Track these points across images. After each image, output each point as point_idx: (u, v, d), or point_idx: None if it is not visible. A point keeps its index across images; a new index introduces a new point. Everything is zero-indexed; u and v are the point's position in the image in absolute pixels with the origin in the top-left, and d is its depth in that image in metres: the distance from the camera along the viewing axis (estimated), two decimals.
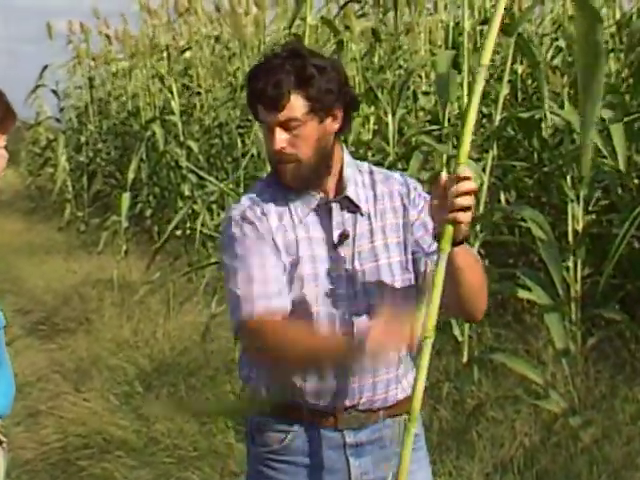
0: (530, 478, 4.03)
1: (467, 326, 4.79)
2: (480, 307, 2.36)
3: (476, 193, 2.10)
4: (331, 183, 2.36)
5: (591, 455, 4.13)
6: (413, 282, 2.37)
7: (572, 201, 5.33)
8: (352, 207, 2.36)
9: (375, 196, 2.39)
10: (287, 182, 2.32)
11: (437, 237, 2.09)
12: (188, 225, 9.09)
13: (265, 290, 2.26)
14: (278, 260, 2.30)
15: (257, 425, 2.43)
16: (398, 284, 2.35)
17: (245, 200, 2.37)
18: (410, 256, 2.37)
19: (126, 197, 9.93)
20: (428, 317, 2.04)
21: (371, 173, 2.43)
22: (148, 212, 11.40)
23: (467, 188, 2.05)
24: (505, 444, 4.31)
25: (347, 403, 2.33)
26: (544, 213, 5.65)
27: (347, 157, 2.40)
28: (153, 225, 11.15)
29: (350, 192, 2.35)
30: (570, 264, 5.31)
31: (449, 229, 2.05)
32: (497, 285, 5.11)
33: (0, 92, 2.34)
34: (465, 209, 2.05)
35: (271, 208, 2.35)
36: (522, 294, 4.81)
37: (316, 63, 2.29)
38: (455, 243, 2.12)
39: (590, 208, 5.60)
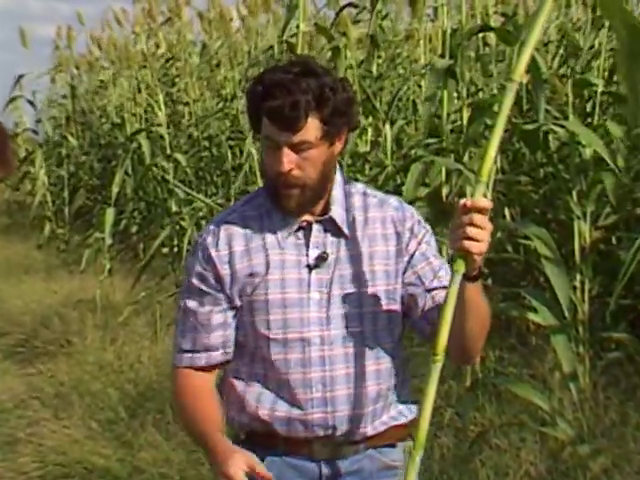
0: None
1: None
2: (475, 352, 2.41)
3: (489, 228, 2.09)
4: (321, 204, 2.36)
5: None
6: (399, 314, 2.37)
7: (578, 217, 5.34)
8: (335, 229, 2.36)
9: (366, 220, 2.38)
10: (289, 207, 2.31)
11: (451, 260, 2.11)
12: (175, 242, 9.08)
13: (193, 345, 2.39)
14: (218, 303, 2.36)
15: None
16: (381, 313, 2.35)
17: (217, 219, 2.42)
18: (399, 286, 2.36)
19: (110, 213, 9.90)
20: (439, 338, 2.06)
21: (364, 195, 2.42)
22: (133, 229, 11.39)
23: (478, 221, 2.06)
24: (510, 473, 4.30)
25: (321, 433, 2.33)
26: (550, 230, 5.67)
27: (339, 177, 2.40)
28: (138, 242, 11.14)
29: (334, 213, 2.35)
30: (577, 284, 5.32)
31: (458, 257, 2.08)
32: (501, 305, 5.11)
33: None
34: (477, 240, 2.07)
35: (240, 230, 2.36)
36: (527, 315, 4.81)
37: (330, 84, 2.28)
38: (467, 277, 2.14)
39: (599, 224, 5.61)
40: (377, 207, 2.41)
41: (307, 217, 2.35)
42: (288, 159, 2.26)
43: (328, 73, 2.32)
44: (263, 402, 2.34)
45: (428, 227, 2.43)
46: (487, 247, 2.10)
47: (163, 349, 6.73)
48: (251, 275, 2.33)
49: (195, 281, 2.37)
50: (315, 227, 2.35)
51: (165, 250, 9.19)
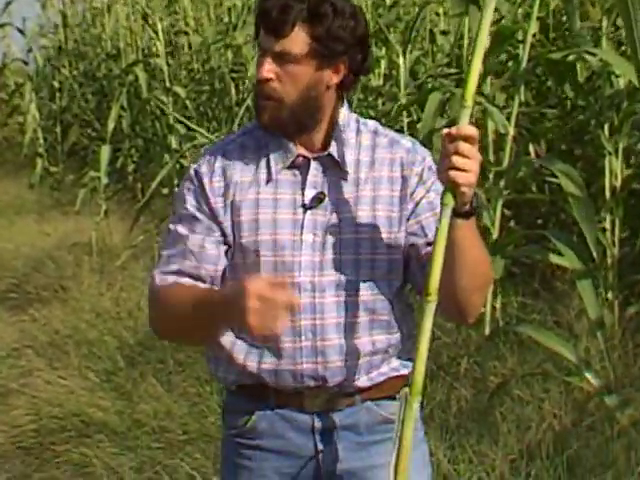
0: (560, 464, 4.04)
1: (490, 295, 4.79)
2: (471, 307, 2.32)
3: (477, 158, 2.08)
4: (317, 139, 2.33)
5: (629, 438, 4.14)
6: (400, 264, 2.35)
7: (609, 154, 5.30)
8: (336, 169, 2.33)
9: (372, 161, 2.35)
10: (263, 120, 2.29)
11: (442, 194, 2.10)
12: (175, 182, 9.08)
13: (181, 269, 2.34)
14: (211, 234, 2.33)
15: (226, 406, 2.48)
16: (380, 262, 2.33)
17: (214, 148, 2.41)
18: (402, 234, 2.33)
19: (105, 150, 9.89)
20: (431, 276, 2.05)
21: (375, 133, 2.39)
22: (130, 167, 11.39)
23: (465, 150, 2.05)
24: (532, 427, 4.32)
25: (312, 384, 2.32)
26: (577, 167, 5.64)
27: (345, 113, 2.36)
28: (136, 182, 11.15)
29: (333, 150, 2.32)
30: (607, 225, 5.30)
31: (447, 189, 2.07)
32: (524, 248, 5.11)
33: None
34: (464, 170, 2.05)
35: (237, 160, 2.35)
36: (552, 258, 4.80)
37: (334, 2, 2.25)
38: (457, 213, 2.12)
39: (632, 161, 5.58)
40: (387, 147, 2.37)
41: (304, 152, 2.33)
42: (268, 67, 2.25)
43: None
44: (250, 355, 2.33)
45: None
46: (476, 178, 2.08)
47: None
48: (242, 212, 2.31)
49: (189, 208, 2.35)
50: (313, 165, 2.32)
51: (165, 190, 9.20)
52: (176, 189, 8.96)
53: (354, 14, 2.28)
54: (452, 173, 2.06)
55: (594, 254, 4.48)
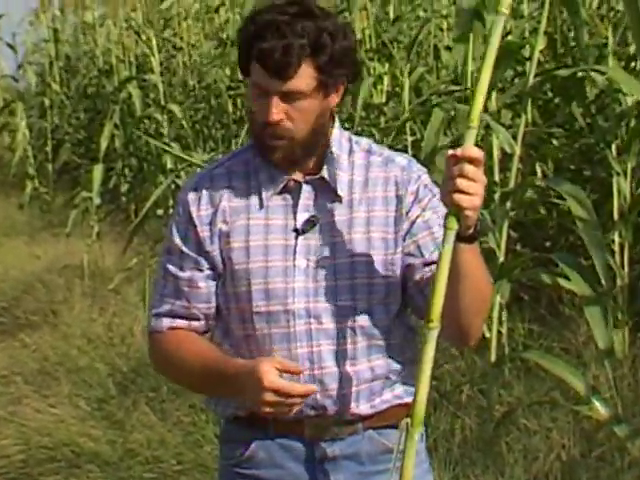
0: None
1: (496, 320, 4.81)
2: (473, 330, 2.35)
3: (482, 181, 2.09)
4: (311, 161, 2.34)
5: None
6: (398, 287, 2.35)
7: (618, 174, 5.32)
8: (328, 191, 2.33)
9: (366, 181, 2.36)
10: (275, 159, 2.30)
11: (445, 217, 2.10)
12: (170, 203, 9.10)
13: (173, 311, 2.39)
14: (200, 269, 2.36)
15: (223, 435, 2.49)
16: (377, 285, 2.33)
17: (201, 174, 2.42)
18: (398, 255, 2.34)
19: (98, 170, 9.92)
20: (433, 303, 2.06)
21: (368, 152, 2.39)
22: (124, 187, 11.41)
23: (469, 172, 2.06)
24: (540, 457, 4.33)
25: (312, 413, 2.33)
26: (586, 188, 5.65)
27: (337, 132, 2.37)
28: (129, 203, 11.17)
29: (325, 172, 2.33)
30: (616, 247, 5.32)
31: (451, 210, 2.08)
32: (531, 272, 5.11)
33: None
34: (469, 193, 2.06)
35: (225, 186, 2.36)
36: (560, 282, 4.81)
37: (330, 29, 2.25)
38: (460, 237, 2.13)
39: None
40: (381, 166, 2.38)
41: (296, 176, 2.33)
42: (277, 109, 2.24)
43: (329, 16, 2.29)
44: None
45: (437, 191, 2.35)
46: (481, 202, 2.09)
47: None
48: (232, 239, 2.33)
49: (176, 241, 2.37)
50: (305, 188, 2.33)
51: (159, 211, 9.22)
52: (171, 210, 8.99)
53: (345, 32, 2.30)
54: (456, 196, 2.06)
55: (603, 280, 4.47)
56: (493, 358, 4.86)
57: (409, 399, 2.34)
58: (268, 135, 2.28)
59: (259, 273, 2.31)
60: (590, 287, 4.49)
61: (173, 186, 8.78)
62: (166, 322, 2.39)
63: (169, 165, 9.68)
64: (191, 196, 2.37)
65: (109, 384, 5.87)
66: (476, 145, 2.09)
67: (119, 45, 11.68)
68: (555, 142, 6.52)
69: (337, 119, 2.40)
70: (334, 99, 2.32)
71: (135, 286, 7.63)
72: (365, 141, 2.44)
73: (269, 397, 2.16)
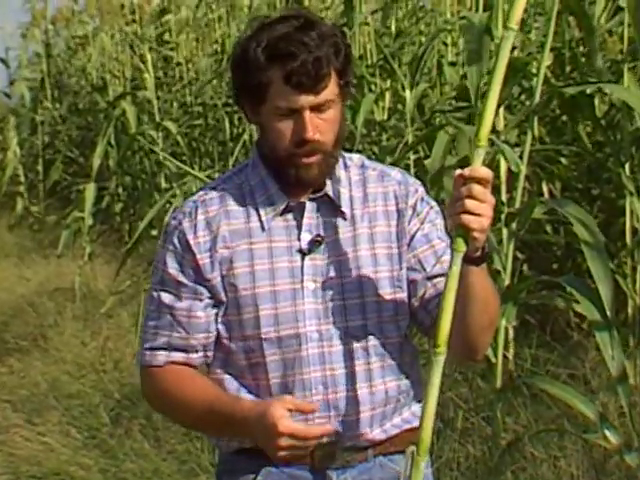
0: None
1: (501, 345, 4.81)
2: (480, 347, 2.39)
3: (490, 201, 2.10)
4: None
5: None
6: (406, 303, 2.37)
7: (631, 194, 5.32)
8: (331, 208, 2.35)
9: (365, 196, 2.38)
10: (310, 177, 2.29)
11: (452, 238, 2.12)
12: (165, 223, 9.11)
13: (169, 344, 2.37)
14: (199, 298, 2.34)
15: (224, 465, 2.46)
16: (386, 303, 2.35)
17: (194, 198, 2.40)
18: (404, 271, 2.37)
19: (90, 189, 9.95)
20: (440, 327, 2.07)
21: (362, 167, 2.42)
22: (117, 207, 11.43)
23: (478, 193, 2.08)
24: None
25: (323, 440, 2.31)
26: (595, 209, 5.66)
27: None
28: (123, 223, 11.18)
29: (329, 189, 2.34)
30: (627, 270, 5.32)
31: (459, 231, 2.09)
32: (538, 295, 5.12)
33: None
34: (477, 214, 2.08)
35: (221, 210, 2.35)
36: (569, 306, 4.81)
37: (334, 31, 2.30)
38: (468, 259, 2.15)
39: None
40: (377, 181, 2.40)
41: (299, 197, 2.34)
42: (312, 124, 2.25)
43: (322, 21, 2.33)
44: None
45: (434, 204, 2.41)
46: (489, 223, 2.11)
47: None
48: (235, 265, 2.32)
49: (171, 272, 2.35)
50: (308, 206, 2.34)
51: (154, 232, 9.22)
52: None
53: (343, 34, 2.34)
54: (465, 217, 2.08)
55: (607, 309, 4.43)
56: (498, 384, 4.86)
57: (417, 423, 2.35)
58: (303, 154, 2.28)
59: (267, 298, 2.31)
60: (600, 311, 4.48)
61: (168, 206, 8.78)
62: (162, 356, 2.37)
63: (164, 184, 9.69)
64: (186, 224, 2.35)
65: (101, 411, 5.86)
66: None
67: (113, 60, 11.71)
68: (563, 161, 6.52)
69: None
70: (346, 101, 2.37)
71: (128, 309, 7.63)
72: (357, 156, 2.46)
73: (284, 442, 2.16)
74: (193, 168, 9.13)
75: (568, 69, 6.76)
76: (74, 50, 14.12)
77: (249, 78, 2.29)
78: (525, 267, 6.40)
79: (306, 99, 2.24)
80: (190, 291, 2.34)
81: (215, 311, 2.35)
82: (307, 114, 2.24)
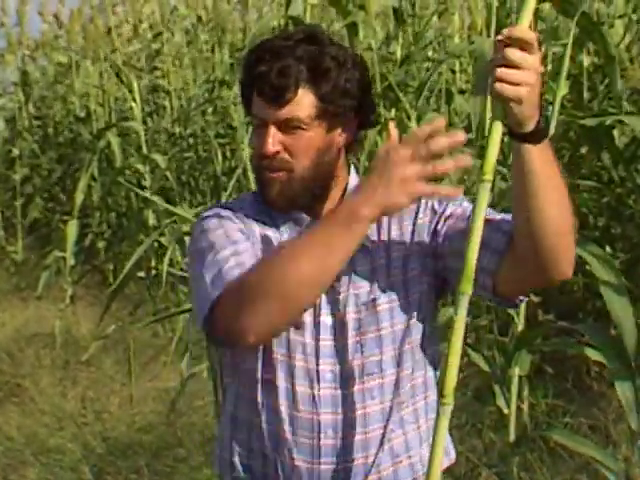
0: None
1: (514, 395, 4.80)
2: (565, 256, 2.26)
3: (530, 67, 2.01)
4: (328, 209, 2.39)
5: None
6: (420, 325, 2.40)
7: None
8: None
9: (379, 227, 2.42)
10: (270, 196, 2.34)
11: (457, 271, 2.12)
12: (153, 263, 9.11)
13: (237, 259, 2.28)
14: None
15: None
16: (413, 328, 2.39)
17: (215, 207, 2.44)
18: (416, 295, 2.39)
19: (72, 226, 9.95)
20: (447, 375, 2.06)
21: None
22: (101, 245, 11.43)
23: (513, 58, 1.99)
24: None
25: None
26: (616, 248, 5.66)
27: (353, 179, 2.43)
28: (107, 263, 11.18)
29: None
30: None
31: (468, 268, 2.04)
32: (554, 341, 5.12)
33: None
34: (512, 82, 2.00)
35: (253, 223, 2.40)
36: (587, 353, 4.81)
37: (335, 54, 2.32)
38: (516, 135, 2.08)
39: None
40: None
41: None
42: (274, 139, 2.29)
43: (338, 45, 2.35)
44: (257, 451, 2.37)
45: (459, 199, 2.43)
46: (530, 93, 2.02)
47: (138, 395, 6.75)
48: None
49: (218, 233, 2.34)
50: None
51: (141, 273, 9.22)
52: (154, 271, 9.00)
53: (356, 63, 2.36)
54: (498, 86, 2.01)
55: (631, 355, 4.43)
56: (512, 437, 4.85)
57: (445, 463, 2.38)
58: (265, 168, 2.32)
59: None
60: (621, 360, 4.47)
61: (156, 245, 8.80)
62: (236, 271, 2.27)
63: (151, 221, 9.70)
64: (221, 210, 2.40)
65: (83, 467, 5.84)
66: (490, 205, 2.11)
67: (98, 89, 11.75)
68: (581, 195, 6.53)
69: (353, 168, 2.46)
70: (342, 136, 2.36)
71: (112, 355, 7.63)
72: None
73: (409, 171, 2.11)
74: (182, 205, 9.13)
75: (587, 97, 6.79)
76: (54, 78, 14.16)
77: (243, 82, 2.38)
78: (540, 311, 6.40)
79: (270, 111, 2.29)
80: (244, 238, 2.34)
81: None
82: (271, 128, 2.29)
